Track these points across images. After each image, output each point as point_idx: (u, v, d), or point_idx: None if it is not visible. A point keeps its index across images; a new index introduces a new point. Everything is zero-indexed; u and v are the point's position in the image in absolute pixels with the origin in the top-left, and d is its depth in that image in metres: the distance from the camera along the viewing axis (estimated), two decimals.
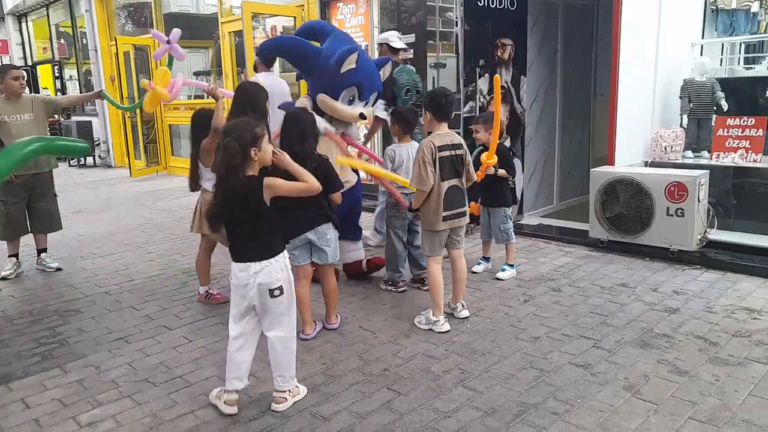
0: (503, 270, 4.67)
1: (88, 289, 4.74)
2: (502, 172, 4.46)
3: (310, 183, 2.89)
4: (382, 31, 7.38)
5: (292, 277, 2.87)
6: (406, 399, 2.91)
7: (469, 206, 4.06)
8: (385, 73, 5.33)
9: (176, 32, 4.90)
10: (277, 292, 2.76)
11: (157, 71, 3.38)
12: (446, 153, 3.64)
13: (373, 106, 4.58)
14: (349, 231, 4.44)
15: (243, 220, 2.71)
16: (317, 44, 4.59)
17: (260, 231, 2.73)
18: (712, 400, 2.82)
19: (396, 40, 5.47)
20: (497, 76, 4.43)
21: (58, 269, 5.24)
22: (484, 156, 4.36)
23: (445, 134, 3.69)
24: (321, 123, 4.09)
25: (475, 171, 3.96)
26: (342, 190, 3.60)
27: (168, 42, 4.94)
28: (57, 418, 2.84)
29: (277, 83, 5.33)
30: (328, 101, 4.26)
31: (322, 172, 3.26)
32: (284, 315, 2.82)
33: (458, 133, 4.12)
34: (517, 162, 5.66)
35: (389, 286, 4.45)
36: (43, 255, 5.31)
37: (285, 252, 2.84)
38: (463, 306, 3.90)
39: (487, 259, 4.90)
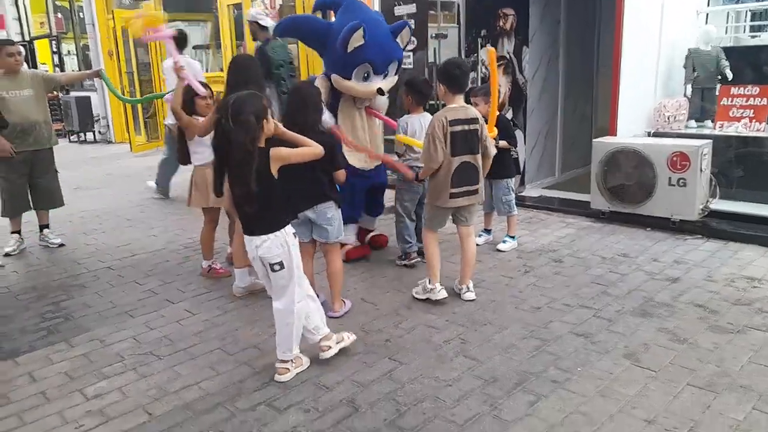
0: (504, 241, 4.67)
1: (92, 264, 4.77)
2: (503, 143, 4.38)
3: (312, 147, 2.89)
4: (383, 1, 7.28)
5: (297, 251, 2.87)
6: (408, 368, 2.94)
7: None
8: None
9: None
10: (276, 267, 2.78)
11: (152, 14, 3.16)
12: (459, 128, 3.51)
13: (396, 74, 4.37)
14: (372, 207, 4.57)
15: (250, 190, 2.67)
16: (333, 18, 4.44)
17: (267, 204, 2.72)
18: (710, 367, 2.84)
19: (263, 17, 5.51)
20: (492, 48, 4.29)
21: (61, 245, 5.27)
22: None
23: (459, 108, 3.56)
24: (326, 119, 4.04)
25: None
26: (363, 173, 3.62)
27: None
28: (64, 391, 2.88)
29: (191, 64, 5.53)
30: (342, 81, 4.13)
31: (328, 148, 3.24)
32: (285, 288, 2.84)
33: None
34: (519, 133, 5.58)
35: (402, 260, 4.40)
36: (45, 231, 5.33)
37: (289, 227, 2.84)
38: (468, 288, 3.75)
39: (488, 231, 4.88)
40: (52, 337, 3.47)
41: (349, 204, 4.08)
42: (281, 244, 2.78)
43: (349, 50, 3.97)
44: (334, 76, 4.16)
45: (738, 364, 2.87)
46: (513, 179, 4.70)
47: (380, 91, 4.17)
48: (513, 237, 4.71)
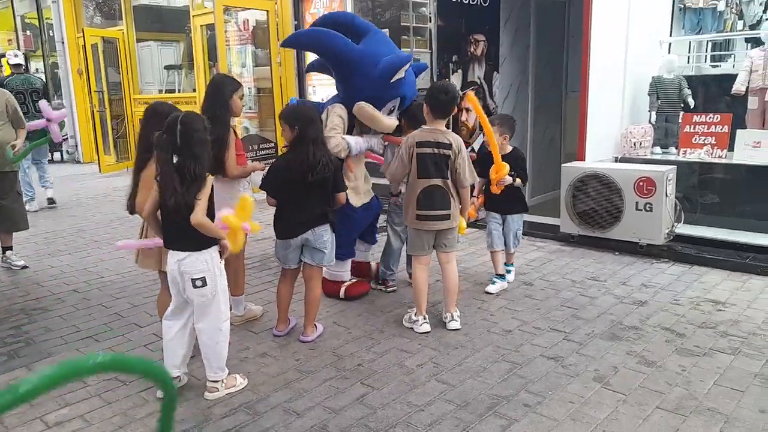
0: (493, 282, 4.30)
1: (56, 287, 4.64)
2: (518, 181, 4.17)
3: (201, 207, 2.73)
4: None
5: (221, 272, 2.84)
6: (380, 393, 2.92)
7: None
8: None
9: (45, 106, 5.07)
10: (198, 283, 2.75)
11: (240, 203, 2.90)
12: (427, 150, 3.48)
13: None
14: (366, 233, 4.39)
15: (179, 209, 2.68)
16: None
17: (187, 223, 2.67)
18: (678, 390, 2.89)
19: (12, 57, 6.87)
20: (470, 92, 4.14)
21: (25, 267, 5.12)
22: (492, 171, 4.01)
23: (432, 130, 3.53)
24: (375, 143, 4.05)
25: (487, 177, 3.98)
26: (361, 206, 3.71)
27: (48, 120, 5.16)
28: (24, 419, 2.78)
29: None
30: (369, 110, 3.87)
31: (334, 169, 3.34)
32: (206, 306, 2.81)
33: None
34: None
35: (378, 284, 4.35)
36: (8, 253, 5.18)
37: (215, 247, 2.79)
38: (453, 317, 3.66)
39: (501, 276, 4.34)
40: (12, 362, 3.35)
41: (346, 240, 3.99)
42: (204, 260, 2.75)
43: (392, 81, 3.82)
44: (362, 104, 3.86)
45: (705, 386, 2.92)
46: (524, 214, 4.44)
47: (397, 128, 4.05)
48: (502, 276, 4.34)
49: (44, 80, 10.15)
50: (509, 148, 4.21)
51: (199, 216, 2.65)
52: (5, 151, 4.75)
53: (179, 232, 2.73)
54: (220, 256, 2.84)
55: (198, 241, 2.74)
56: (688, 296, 4.10)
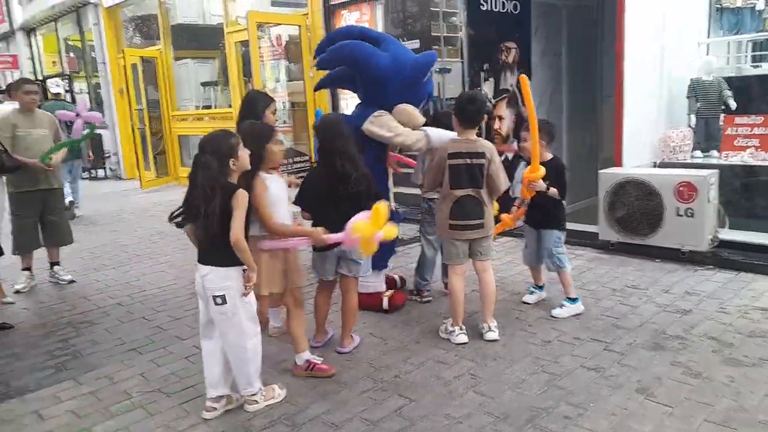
0: (561, 305, 3.95)
1: (101, 300, 4.78)
2: (553, 191, 3.80)
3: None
4: None
5: (243, 294, 2.81)
6: (418, 405, 2.91)
7: (502, 217, 3.95)
8: None
9: (81, 103, 5.07)
10: (218, 300, 2.76)
11: (373, 212, 2.99)
12: (460, 161, 3.48)
13: None
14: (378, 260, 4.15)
15: (213, 225, 2.69)
16: None
17: (220, 238, 2.70)
18: (727, 402, 2.79)
19: (54, 86, 6.86)
20: (523, 76, 3.95)
21: (71, 281, 5.29)
22: (527, 170, 3.77)
23: (464, 141, 3.53)
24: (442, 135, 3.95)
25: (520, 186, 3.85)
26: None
27: (77, 114, 5.16)
28: (71, 430, 2.86)
29: None
30: (410, 109, 3.92)
31: (368, 182, 3.34)
32: (227, 324, 2.81)
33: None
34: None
35: (413, 295, 4.33)
36: (56, 268, 5.36)
37: (239, 267, 2.78)
38: (490, 327, 3.60)
39: (540, 287, 4.21)
40: (60, 375, 3.46)
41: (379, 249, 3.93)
42: (226, 277, 2.77)
43: (425, 79, 4.00)
44: (404, 106, 3.92)
45: (755, 398, 2.82)
46: (563, 231, 4.01)
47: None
48: (574, 300, 3.96)
49: None
50: (548, 156, 3.90)
51: (237, 233, 2.68)
52: (41, 158, 4.90)
53: (208, 243, 2.77)
54: (246, 286, 2.80)
55: (222, 256, 2.74)
56: (736, 304, 3.97)
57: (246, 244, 2.73)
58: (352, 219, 2.98)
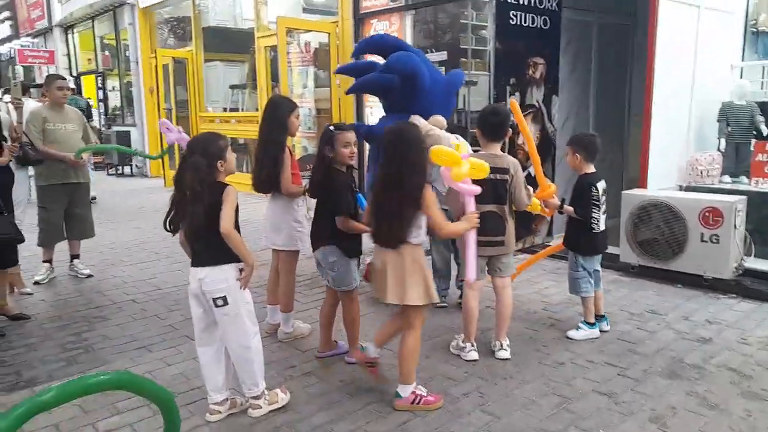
0: (578, 328, 3.87)
1: (116, 296, 4.83)
2: (568, 209, 3.78)
3: (227, 217, 2.70)
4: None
5: (243, 290, 2.80)
6: (422, 421, 2.86)
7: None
8: None
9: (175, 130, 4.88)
10: (220, 302, 2.74)
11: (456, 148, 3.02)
12: (489, 176, 3.32)
13: None
14: None
15: (201, 225, 2.68)
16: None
17: (212, 237, 2.69)
18: None
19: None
20: (513, 100, 4.16)
21: (90, 276, 5.36)
22: (538, 191, 3.80)
23: (489, 155, 3.46)
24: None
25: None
26: None
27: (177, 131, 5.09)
28: (76, 424, 2.88)
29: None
30: (443, 121, 3.95)
31: (333, 188, 3.29)
32: (231, 325, 2.80)
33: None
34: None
35: None
36: (75, 261, 5.44)
37: (235, 264, 2.77)
38: (502, 346, 3.55)
39: (590, 324, 3.87)
40: (70, 368, 3.49)
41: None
42: (225, 278, 2.75)
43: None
44: (440, 117, 3.95)
45: None
46: (586, 257, 3.82)
47: None
48: (592, 324, 3.85)
49: (89, 102, 11.15)
50: (585, 171, 3.78)
51: (226, 223, 2.66)
52: (77, 152, 4.99)
53: (202, 245, 2.76)
54: (242, 277, 2.78)
55: (216, 254, 2.72)
56: (758, 335, 3.84)
57: (239, 235, 2.72)
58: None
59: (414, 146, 2.83)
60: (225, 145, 2.79)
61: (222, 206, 2.67)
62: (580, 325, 3.87)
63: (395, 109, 4.33)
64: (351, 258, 3.31)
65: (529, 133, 3.88)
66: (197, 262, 2.79)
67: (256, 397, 2.90)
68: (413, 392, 2.98)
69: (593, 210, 3.72)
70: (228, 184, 2.76)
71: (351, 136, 3.27)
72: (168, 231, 2.80)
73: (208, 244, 2.73)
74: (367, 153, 5.97)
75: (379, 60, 4.59)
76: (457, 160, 2.91)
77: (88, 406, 3.04)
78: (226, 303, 2.75)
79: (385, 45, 4.56)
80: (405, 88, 4.18)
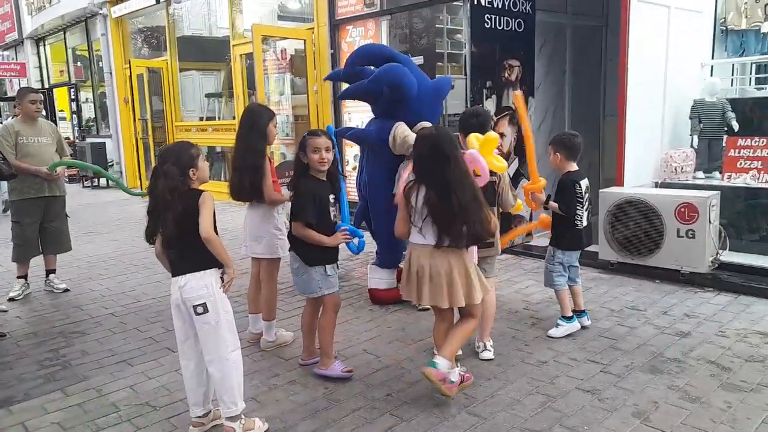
0: (557, 326, 3.89)
1: (95, 310, 4.75)
2: (553, 204, 3.82)
3: (206, 220, 2.68)
4: None
5: (223, 297, 2.76)
6: (409, 425, 2.85)
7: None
8: None
9: None
10: (200, 309, 2.68)
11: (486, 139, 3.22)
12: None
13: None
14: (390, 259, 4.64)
15: (176, 233, 2.65)
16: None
17: (189, 244, 2.67)
18: (724, 428, 2.73)
19: None
20: (517, 93, 4.22)
21: (66, 290, 5.26)
22: (527, 183, 3.88)
23: None
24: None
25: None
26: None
27: None
28: None
29: None
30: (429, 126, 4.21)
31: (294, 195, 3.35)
32: (210, 335, 2.72)
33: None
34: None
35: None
36: (51, 276, 5.34)
37: (214, 271, 2.74)
38: (486, 347, 3.56)
39: (568, 318, 3.90)
40: (48, 386, 3.42)
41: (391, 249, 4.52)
42: (205, 285, 2.70)
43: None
44: (425, 123, 4.30)
45: (752, 425, 2.75)
46: (563, 251, 3.87)
47: None
48: (569, 318, 3.88)
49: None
50: (568, 169, 3.84)
51: (206, 228, 2.63)
52: (51, 166, 4.94)
53: (179, 253, 2.72)
54: (223, 282, 2.75)
55: (196, 260, 2.69)
56: (735, 327, 3.91)
57: (218, 238, 2.69)
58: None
59: (455, 146, 2.97)
60: (196, 153, 2.76)
61: (200, 212, 2.64)
62: (559, 322, 3.90)
63: (385, 115, 4.51)
64: (311, 266, 3.25)
65: (529, 125, 4.00)
66: (176, 270, 2.74)
67: (232, 419, 2.77)
68: (444, 372, 2.97)
69: (577, 207, 3.78)
70: (204, 191, 2.74)
71: (321, 141, 3.23)
72: (150, 243, 2.78)
73: (185, 251, 2.69)
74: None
75: (369, 67, 4.72)
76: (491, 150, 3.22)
77: (68, 423, 2.98)
78: (206, 310, 2.68)
79: (376, 54, 4.77)
80: (392, 97, 4.36)
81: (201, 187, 2.77)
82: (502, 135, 5.95)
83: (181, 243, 2.68)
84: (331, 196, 3.33)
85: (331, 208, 3.32)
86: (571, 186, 3.78)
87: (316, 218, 3.20)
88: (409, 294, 3.11)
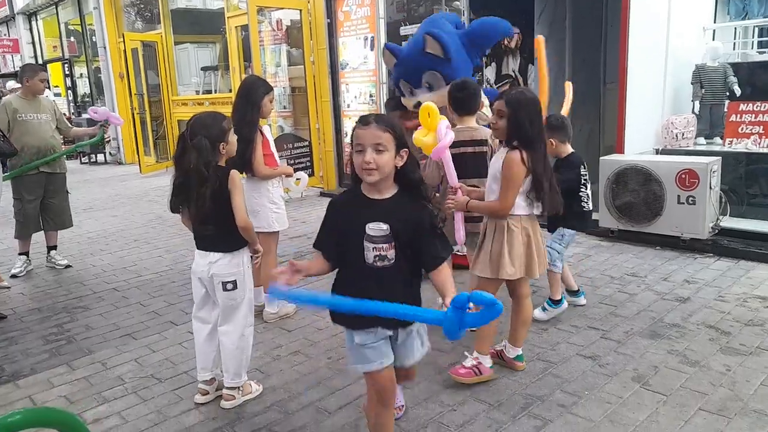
0: (543, 309, 3.68)
1: (97, 285, 4.77)
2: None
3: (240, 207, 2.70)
4: (388, 22, 7.32)
5: (250, 274, 2.83)
6: (412, 392, 2.88)
7: None
8: None
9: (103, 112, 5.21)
10: (229, 286, 2.74)
11: (423, 108, 2.88)
12: (462, 149, 3.32)
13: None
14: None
15: (209, 209, 2.64)
16: None
17: (223, 223, 2.68)
18: (722, 391, 2.77)
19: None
20: (539, 37, 4.09)
21: (68, 266, 5.28)
22: None
23: (466, 128, 3.41)
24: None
25: None
26: None
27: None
28: None
29: None
30: None
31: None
32: (235, 310, 2.79)
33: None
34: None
35: None
36: (52, 252, 5.35)
37: (246, 248, 2.80)
38: None
39: (557, 302, 3.68)
40: (53, 360, 3.45)
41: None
42: (237, 263, 2.75)
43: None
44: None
45: (751, 387, 2.79)
46: (569, 231, 3.67)
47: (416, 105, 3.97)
48: (556, 303, 3.67)
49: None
50: (568, 151, 3.70)
51: (243, 216, 2.68)
52: (43, 161, 4.95)
53: (212, 230, 2.71)
54: (252, 260, 2.84)
55: (231, 241, 2.74)
56: (734, 292, 3.93)
57: (252, 225, 2.76)
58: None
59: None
60: (228, 126, 2.72)
61: (232, 196, 2.66)
62: (547, 306, 3.69)
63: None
64: None
65: (545, 73, 4.01)
66: (207, 245, 2.75)
67: (232, 388, 2.84)
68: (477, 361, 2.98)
69: (581, 188, 3.65)
70: (231, 169, 2.71)
71: (368, 134, 2.01)
72: (174, 213, 2.80)
73: (219, 230, 2.70)
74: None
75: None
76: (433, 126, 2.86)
77: (75, 396, 3.02)
78: (235, 287, 2.75)
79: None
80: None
81: None
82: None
83: (215, 220, 2.67)
84: (382, 227, 2.01)
85: (383, 246, 2.03)
86: (578, 164, 3.64)
87: (339, 260, 2.13)
88: (517, 271, 2.90)
